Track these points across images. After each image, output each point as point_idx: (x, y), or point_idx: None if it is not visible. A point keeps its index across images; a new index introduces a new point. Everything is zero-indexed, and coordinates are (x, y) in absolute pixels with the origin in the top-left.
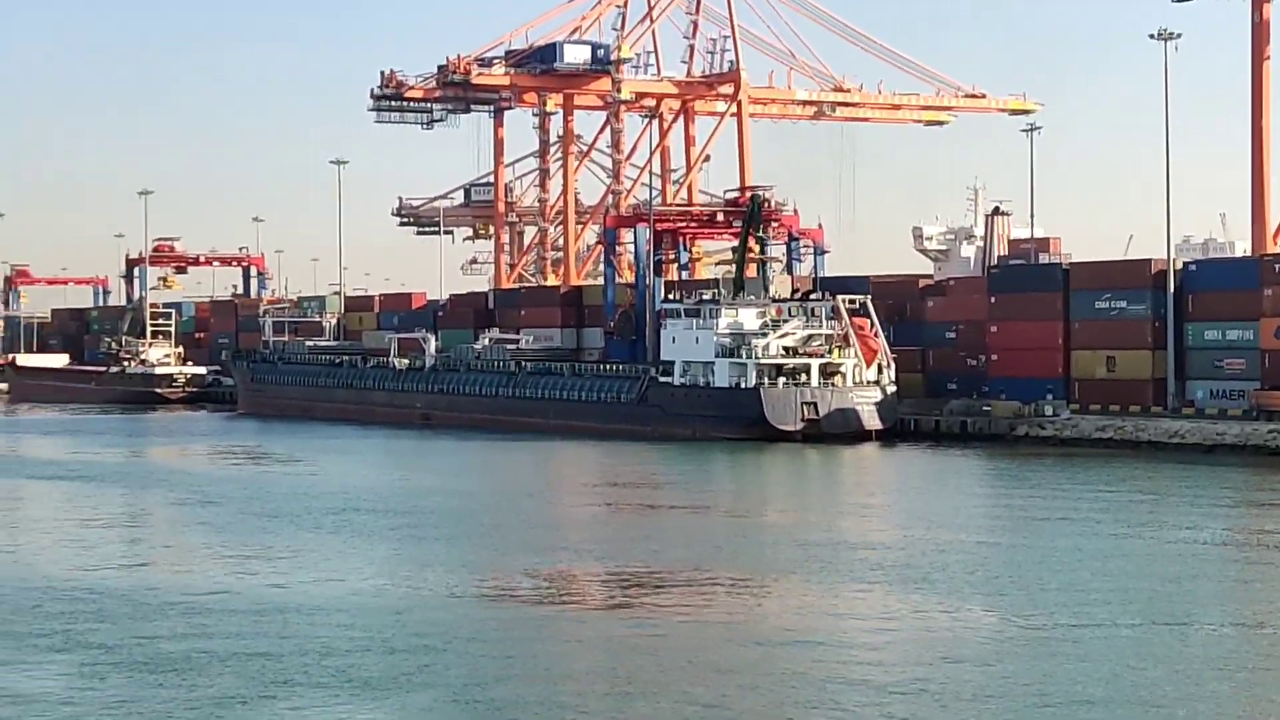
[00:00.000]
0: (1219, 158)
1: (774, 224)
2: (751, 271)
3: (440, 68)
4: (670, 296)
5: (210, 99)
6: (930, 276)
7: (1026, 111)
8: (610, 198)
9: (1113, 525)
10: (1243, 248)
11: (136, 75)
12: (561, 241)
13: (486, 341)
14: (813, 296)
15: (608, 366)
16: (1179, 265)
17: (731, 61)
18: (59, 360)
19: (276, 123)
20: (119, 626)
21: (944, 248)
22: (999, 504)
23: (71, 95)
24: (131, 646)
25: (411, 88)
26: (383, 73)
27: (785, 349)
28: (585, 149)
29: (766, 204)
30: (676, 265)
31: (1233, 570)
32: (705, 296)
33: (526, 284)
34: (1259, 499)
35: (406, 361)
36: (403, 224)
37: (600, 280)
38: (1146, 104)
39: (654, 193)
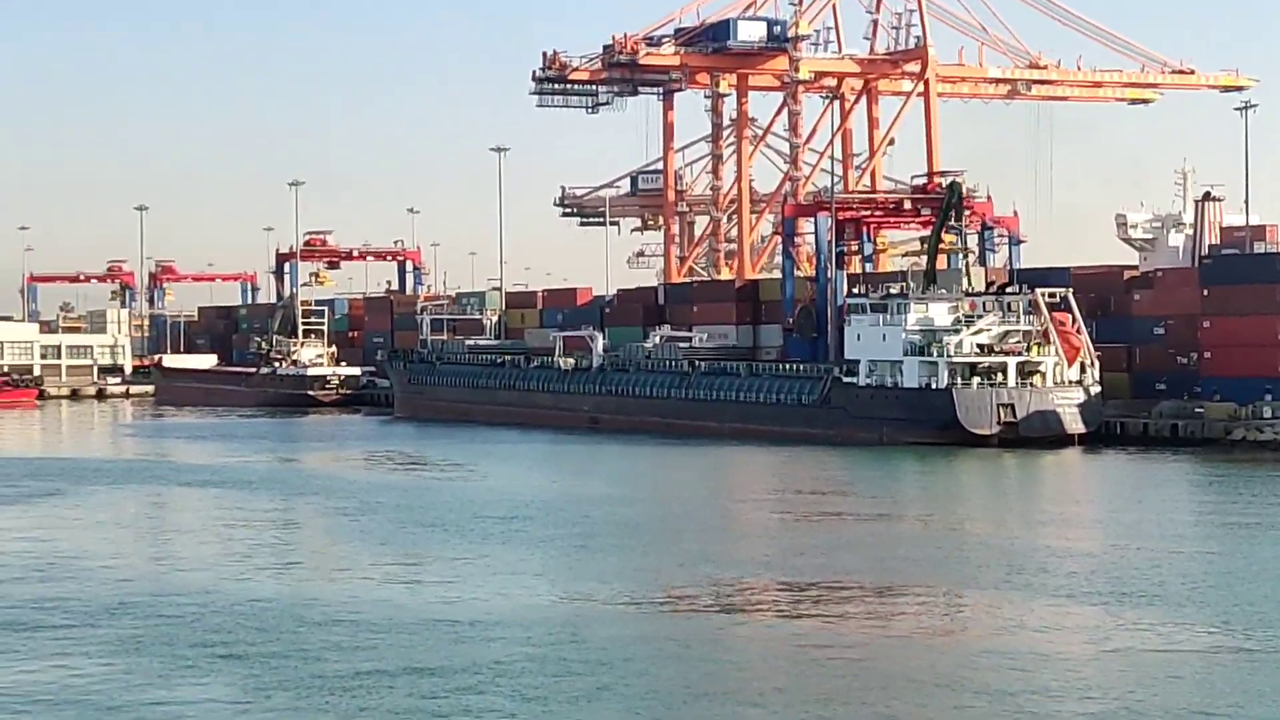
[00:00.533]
0: None
1: (966, 212)
2: (941, 263)
3: (606, 48)
4: (854, 291)
5: (362, 84)
6: (1135, 268)
7: (1239, 88)
8: (787, 185)
9: None
10: None
11: (285, 60)
12: (735, 232)
13: (657, 340)
14: (1009, 290)
15: (787, 366)
16: None
17: (918, 37)
18: (207, 361)
19: (432, 109)
20: (282, 640)
21: (1150, 236)
22: (1214, 515)
23: (218, 82)
24: (297, 662)
25: (575, 69)
26: (545, 54)
27: (979, 347)
28: (760, 133)
29: (966, 193)
30: (860, 257)
31: None
32: (893, 291)
33: (698, 278)
34: None
35: (572, 361)
36: (565, 215)
37: (777, 274)
38: None
39: (835, 179)
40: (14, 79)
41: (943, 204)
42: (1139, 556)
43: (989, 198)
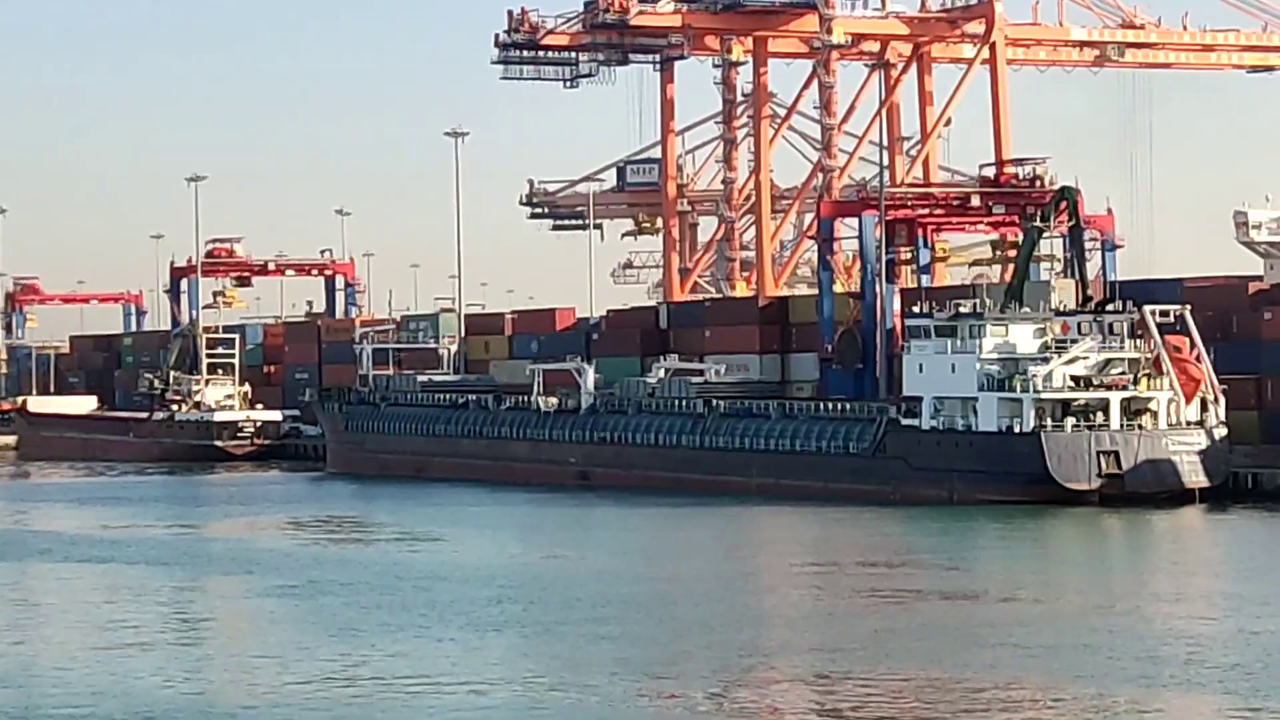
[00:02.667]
0: None
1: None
2: (1010, 274)
3: (588, 5)
4: (912, 310)
5: (275, 52)
6: (1261, 278)
7: None
8: (819, 177)
9: None
10: None
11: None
12: (754, 237)
13: (662, 373)
14: (1109, 308)
15: (828, 406)
16: None
17: None
18: (84, 404)
19: (366, 82)
20: None
21: (1278, 239)
22: None
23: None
24: None
25: (550, 32)
26: (511, 13)
27: (1075, 379)
28: (784, 112)
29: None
30: (914, 267)
31: None
32: (963, 309)
33: (705, 294)
34: None
35: (555, 401)
36: (535, 216)
37: (811, 289)
38: None
39: (879, 170)
40: None
41: (1043, 209)
42: (1272, 644)
43: (1109, 211)
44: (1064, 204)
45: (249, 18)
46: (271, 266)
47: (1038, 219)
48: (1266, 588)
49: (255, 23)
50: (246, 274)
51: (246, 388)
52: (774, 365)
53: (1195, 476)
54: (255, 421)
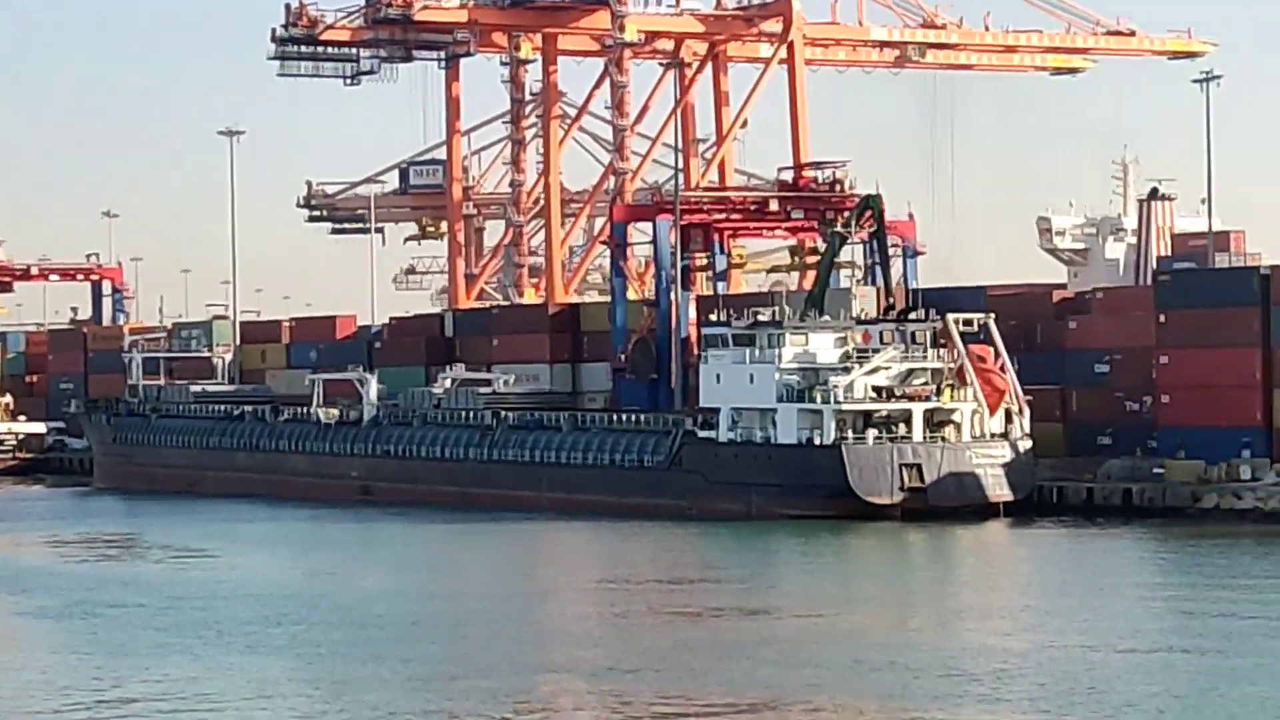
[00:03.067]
0: None
1: (842, 214)
2: (808, 281)
3: None
4: (710, 317)
5: (38, 50)
6: (1065, 286)
7: (1193, 54)
8: (611, 180)
9: None
10: None
11: None
12: (543, 241)
13: (448, 384)
14: (912, 317)
15: (622, 417)
16: None
17: None
18: None
19: (134, 77)
20: None
21: (1081, 246)
22: (1184, 606)
23: None
24: None
25: (330, 27)
26: (289, 6)
27: (876, 390)
28: (575, 112)
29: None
30: (710, 274)
31: None
32: (762, 318)
33: (493, 301)
34: None
35: (336, 413)
36: (314, 219)
37: (603, 296)
38: None
39: (673, 173)
40: None
41: (848, 217)
42: (1085, 664)
43: (911, 216)
44: (868, 212)
45: (5, 7)
46: (34, 271)
47: (839, 225)
48: (1071, 603)
49: (15, 13)
50: (7, 279)
51: (8, 398)
52: (565, 375)
53: (999, 490)
54: (17, 434)
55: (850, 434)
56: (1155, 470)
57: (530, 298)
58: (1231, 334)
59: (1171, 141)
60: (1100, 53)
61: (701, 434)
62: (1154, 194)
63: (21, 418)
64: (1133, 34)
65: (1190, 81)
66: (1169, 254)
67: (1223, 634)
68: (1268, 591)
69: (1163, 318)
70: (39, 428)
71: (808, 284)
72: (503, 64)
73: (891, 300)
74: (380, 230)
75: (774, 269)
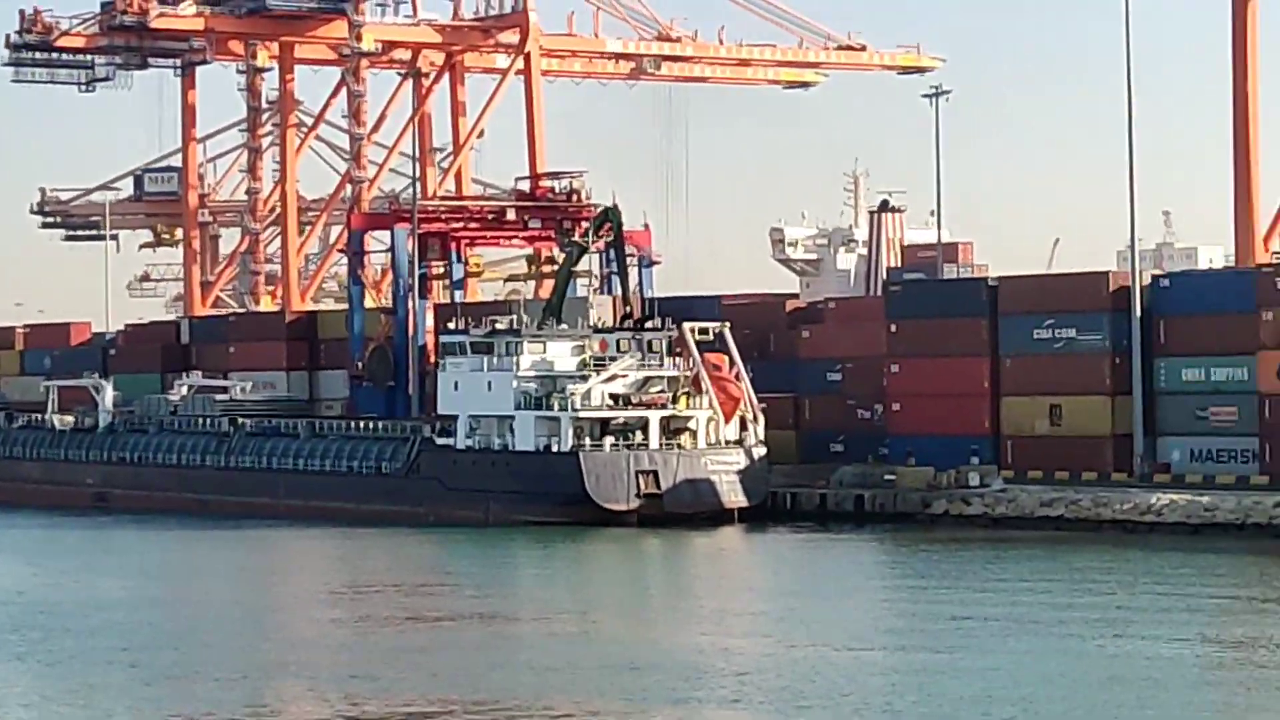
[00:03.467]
0: (1164, 139)
1: (580, 224)
2: (545, 289)
3: (105, 5)
4: (448, 325)
5: None
6: (797, 295)
7: (922, 69)
8: (348, 188)
9: (1064, 637)
10: (1208, 256)
11: None
12: (279, 249)
13: (185, 391)
14: (648, 325)
15: (361, 425)
16: (1147, 280)
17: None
18: None
19: None
20: None
21: (814, 256)
22: (916, 609)
23: None
24: None
25: (65, 33)
26: (23, 12)
27: (614, 398)
28: (313, 121)
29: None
30: (447, 282)
31: (1221, 695)
32: (500, 325)
33: (229, 309)
34: (1265, 595)
35: (71, 420)
36: (46, 225)
37: (340, 304)
38: (1070, 63)
39: (411, 181)
40: None
41: (589, 228)
42: (814, 664)
43: (646, 226)
44: (608, 224)
45: None
46: None
47: (578, 236)
48: (806, 606)
49: None
50: None
51: None
52: (302, 382)
53: (734, 496)
54: None
55: (587, 441)
56: (886, 477)
57: (267, 305)
58: (960, 343)
59: (902, 155)
60: (832, 67)
61: (440, 441)
62: (884, 206)
63: None
64: (863, 49)
65: (920, 96)
66: (899, 265)
67: (955, 634)
68: (997, 594)
69: (893, 327)
70: None
71: (544, 293)
72: (239, 72)
73: (629, 309)
74: (115, 237)
75: (511, 278)
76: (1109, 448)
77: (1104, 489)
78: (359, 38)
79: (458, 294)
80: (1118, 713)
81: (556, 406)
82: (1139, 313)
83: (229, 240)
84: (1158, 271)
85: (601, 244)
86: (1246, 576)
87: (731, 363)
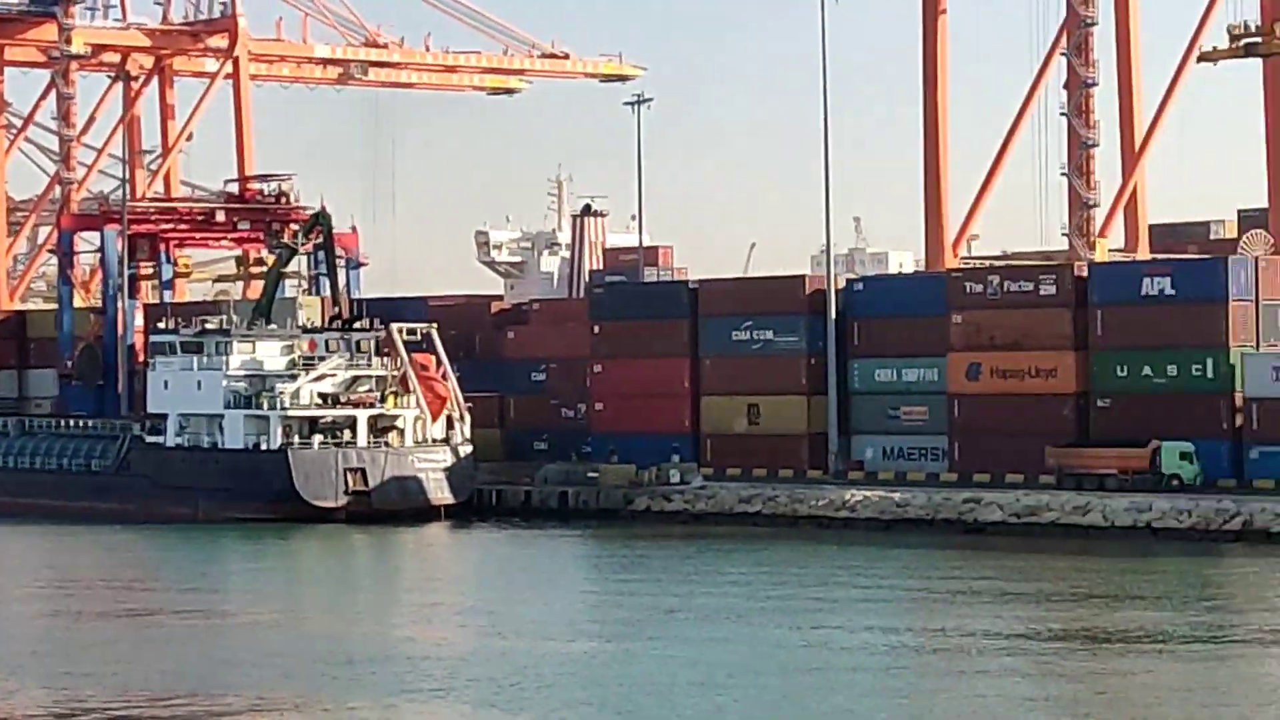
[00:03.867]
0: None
1: (289, 226)
2: (254, 290)
3: None
4: (158, 325)
5: None
6: (501, 297)
7: (624, 78)
8: (57, 189)
9: (759, 626)
10: (899, 261)
11: None
12: None
13: None
14: (357, 326)
15: (70, 423)
16: (842, 284)
17: (225, 5)
18: None
19: None
20: None
21: (518, 259)
22: (613, 601)
23: None
24: None
25: None
26: None
27: (323, 397)
28: (21, 122)
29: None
30: (156, 283)
31: (906, 680)
32: (210, 326)
33: None
34: (951, 588)
35: None
36: None
37: (49, 303)
38: (769, 75)
39: (120, 183)
40: None
41: (300, 230)
42: (514, 655)
43: (354, 229)
44: (319, 228)
45: None
46: None
47: (285, 237)
48: (509, 601)
49: None
50: None
51: None
52: (11, 381)
53: (441, 493)
54: None
55: (296, 439)
56: (589, 474)
57: None
58: (662, 344)
59: (604, 161)
60: (536, 74)
61: (149, 439)
62: (587, 210)
63: None
64: (566, 57)
65: (622, 104)
66: (601, 267)
67: (653, 625)
68: (696, 586)
69: (596, 329)
70: None
71: (253, 294)
72: None
73: (337, 310)
74: None
75: (220, 279)
76: (805, 446)
77: (800, 486)
78: (69, 41)
79: (167, 294)
80: (805, 697)
81: (265, 405)
82: (834, 315)
83: None
84: (852, 275)
85: (310, 246)
86: (936, 570)
87: (438, 362)
